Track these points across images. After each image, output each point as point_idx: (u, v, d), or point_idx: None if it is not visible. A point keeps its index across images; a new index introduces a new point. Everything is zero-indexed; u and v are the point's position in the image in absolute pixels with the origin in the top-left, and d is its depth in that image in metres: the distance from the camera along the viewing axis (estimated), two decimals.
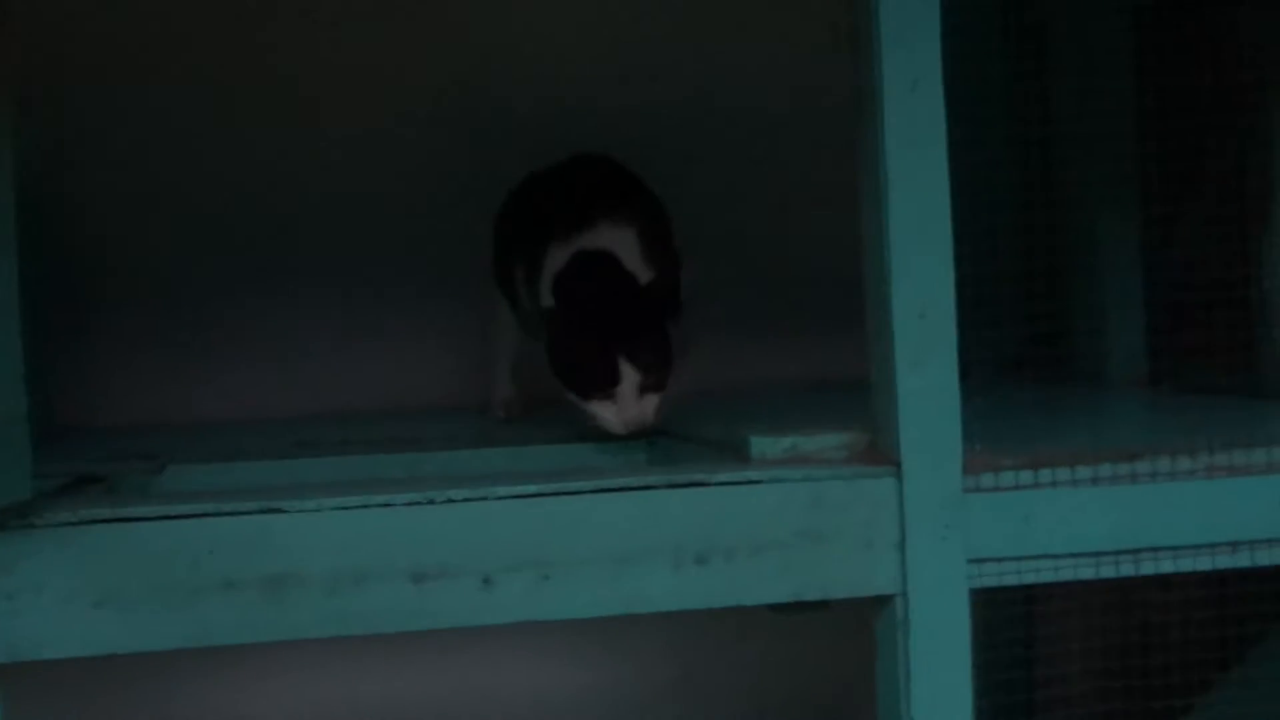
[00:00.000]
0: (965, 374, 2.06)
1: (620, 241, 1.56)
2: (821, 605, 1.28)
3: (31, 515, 1.10)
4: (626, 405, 1.45)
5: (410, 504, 1.15)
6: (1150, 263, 1.89)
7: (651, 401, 1.46)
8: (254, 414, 1.87)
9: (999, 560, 1.24)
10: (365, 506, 1.15)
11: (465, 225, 1.77)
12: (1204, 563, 1.28)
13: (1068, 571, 1.26)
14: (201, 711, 1.87)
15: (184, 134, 1.89)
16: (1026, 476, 1.25)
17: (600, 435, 1.50)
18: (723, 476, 1.20)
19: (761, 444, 1.26)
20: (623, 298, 1.48)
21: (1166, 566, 1.27)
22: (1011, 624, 2.03)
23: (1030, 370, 1.97)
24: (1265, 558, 1.28)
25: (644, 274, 1.56)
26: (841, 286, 1.37)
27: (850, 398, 1.30)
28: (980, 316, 2.01)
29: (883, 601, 1.24)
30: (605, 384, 1.45)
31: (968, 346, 2.04)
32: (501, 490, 1.17)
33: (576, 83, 1.94)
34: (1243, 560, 1.28)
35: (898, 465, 1.22)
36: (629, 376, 1.44)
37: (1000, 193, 1.97)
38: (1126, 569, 1.27)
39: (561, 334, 1.48)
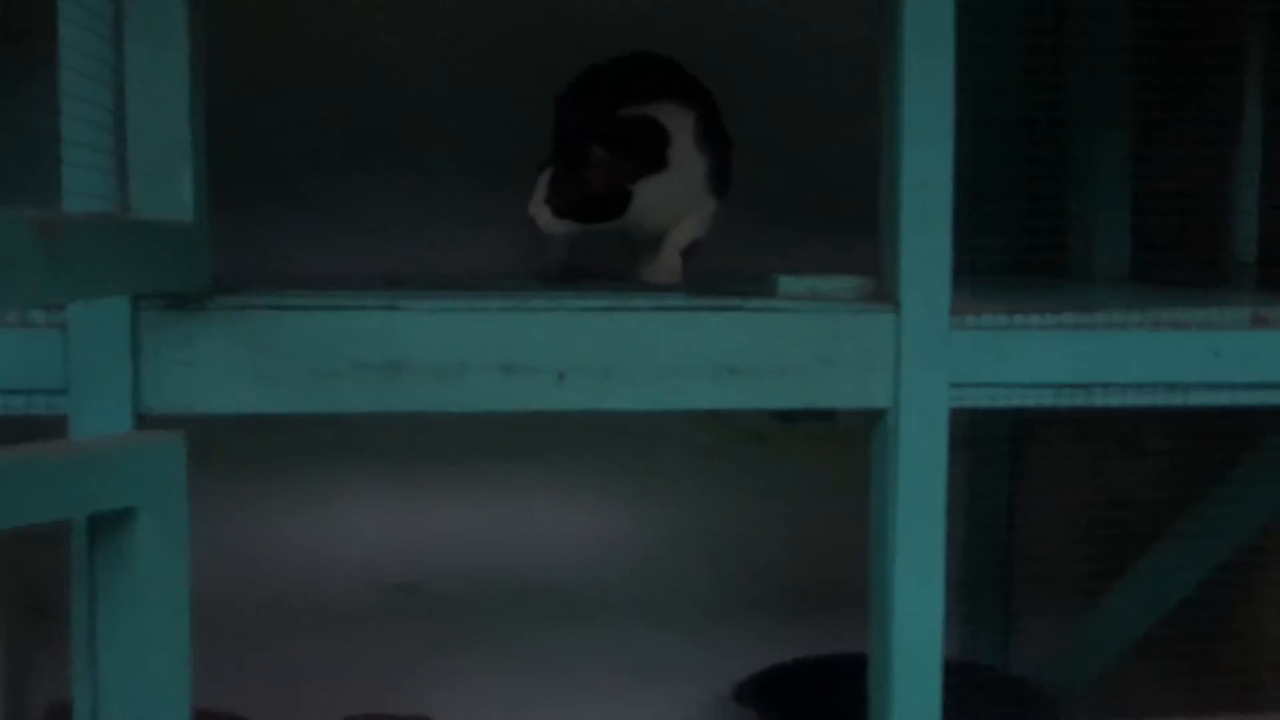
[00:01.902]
0: (971, 270, 2.36)
1: (678, 120, 1.83)
2: (826, 417, 1.57)
3: (206, 300, 1.39)
4: (532, 198, 1.79)
5: (502, 309, 1.44)
6: (1139, 174, 2.16)
7: (546, 214, 1.79)
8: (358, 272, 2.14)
9: (976, 386, 1.52)
10: (467, 309, 1.44)
11: (531, 116, 2.02)
12: (1146, 399, 1.56)
13: (1032, 398, 1.54)
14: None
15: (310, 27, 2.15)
16: (1003, 320, 1.53)
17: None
18: (754, 304, 1.49)
19: (787, 283, 1.54)
20: (601, 145, 1.78)
21: (1115, 400, 1.55)
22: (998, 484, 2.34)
23: (1029, 269, 2.26)
24: (1197, 399, 1.56)
25: (699, 154, 1.85)
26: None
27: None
28: (986, 220, 2.31)
29: (878, 415, 1.52)
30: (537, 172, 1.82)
31: (973, 247, 2.35)
32: (574, 303, 1.45)
33: None
34: (1177, 399, 1.56)
35: (897, 305, 1.50)
36: (543, 180, 1.79)
37: (1013, 112, 2.25)
38: (1080, 400, 1.55)
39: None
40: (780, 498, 2.27)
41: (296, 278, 2.04)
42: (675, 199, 1.86)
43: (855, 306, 1.51)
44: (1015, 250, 2.28)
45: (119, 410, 1.37)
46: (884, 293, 1.52)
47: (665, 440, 2.23)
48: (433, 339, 1.43)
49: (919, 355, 1.50)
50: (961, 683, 1.53)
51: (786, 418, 1.59)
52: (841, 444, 1.70)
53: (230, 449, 2.08)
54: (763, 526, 2.28)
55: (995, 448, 2.35)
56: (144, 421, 1.39)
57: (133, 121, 1.32)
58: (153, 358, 1.38)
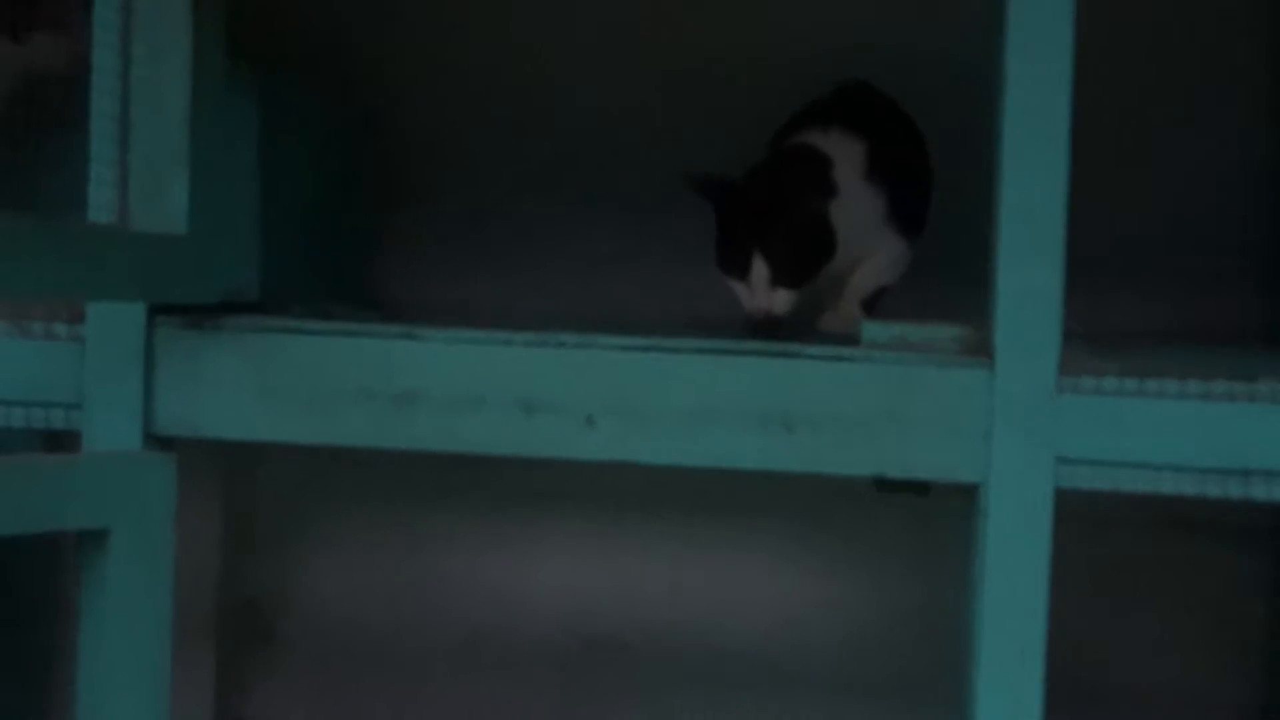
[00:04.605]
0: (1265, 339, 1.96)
1: (843, 149, 1.60)
2: (924, 489, 1.32)
3: (220, 320, 1.33)
4: (754, 295, 1.47)
5: (527, 344, 1.30)
6: None
7: (783, 296, 1.47)
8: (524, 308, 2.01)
9: (1091, 463, 1.24)
10: (488, 342, 1.30)
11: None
12: None
13: (1169, 483, 1.24)
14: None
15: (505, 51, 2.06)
16: (1131, 384, 1.24)
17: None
18: (814, 350, 1.27)
19: (872, 329, 1.31)
20: (779, 190, 1.53)
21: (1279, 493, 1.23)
22: None
23: None
24: None
25: (871, 187, 1.62)
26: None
27: None
28: None
29: (970, 491, 1.27)
30: (736, 272, 1.48)
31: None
32: (606, 340, 1.29)
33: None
34: None
35: (991, 358, 1.24)
36: (758, 269, 1.46)
37: None
38: (1234, 489, 1.23)
39: (716, 219, 1.51)
40: None
41: (476, 311, 1.97)
42: (845, 236, 1.63)
43: (939, 359, 1.26)
44: None
45: (129, 428, 1.33)
46: (984, 345, 1.27)
47: (878, 504, 1.99)
48: (448, 370, 1.31)
49: (1016, 421, 1.24)
50: None
51: (883, 485, 1.35)
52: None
53: (430, 489, 2.04)
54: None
55: None
56: (156, 443, 1.34)
57: (134, 131, 1.28)
58: (164, 376, 1.33)
